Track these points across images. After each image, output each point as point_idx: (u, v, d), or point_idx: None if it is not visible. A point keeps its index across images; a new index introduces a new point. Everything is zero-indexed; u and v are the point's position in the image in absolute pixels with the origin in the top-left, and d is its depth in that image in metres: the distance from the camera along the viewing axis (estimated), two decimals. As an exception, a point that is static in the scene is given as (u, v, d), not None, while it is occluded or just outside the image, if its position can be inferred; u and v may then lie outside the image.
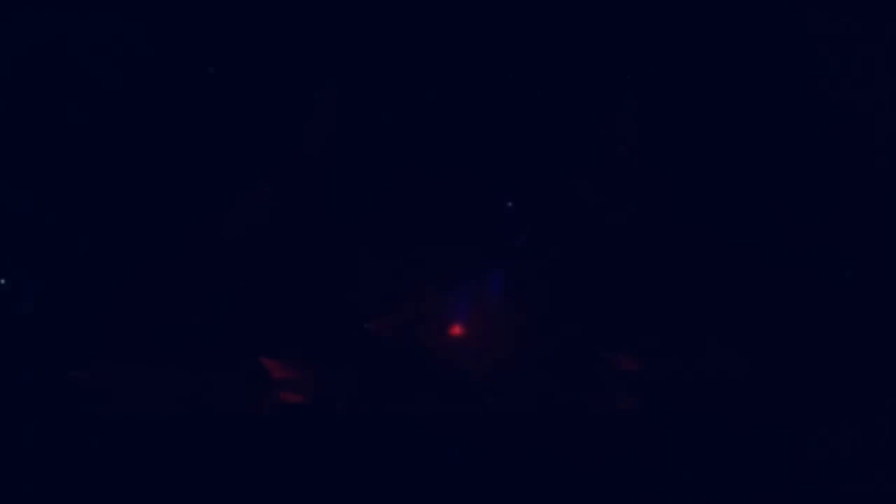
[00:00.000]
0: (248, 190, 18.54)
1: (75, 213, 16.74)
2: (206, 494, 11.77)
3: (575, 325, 18.00)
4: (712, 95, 17.56)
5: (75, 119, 16.42)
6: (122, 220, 17.10)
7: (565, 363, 17.65)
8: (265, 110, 17.82)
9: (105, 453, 12.68)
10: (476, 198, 18.85)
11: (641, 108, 18.16)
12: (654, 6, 17.12)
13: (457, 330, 18.90)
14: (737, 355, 17.20)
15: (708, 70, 17.40)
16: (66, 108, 16.32)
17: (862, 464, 12.08)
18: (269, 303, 17.94)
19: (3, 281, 16.15)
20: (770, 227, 17.36)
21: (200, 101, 17.37)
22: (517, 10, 17.24)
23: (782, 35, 16.79)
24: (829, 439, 12.94)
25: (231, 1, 16.93)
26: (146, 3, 16.39)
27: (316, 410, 15.35)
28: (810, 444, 12.79)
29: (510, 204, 19.77)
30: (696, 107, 17.58)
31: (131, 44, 16.61)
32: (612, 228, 18.16)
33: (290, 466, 12.32)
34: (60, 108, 16.27)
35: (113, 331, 16.98)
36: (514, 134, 18.77)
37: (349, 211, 18.42)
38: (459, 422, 15.03)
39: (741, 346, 17.22)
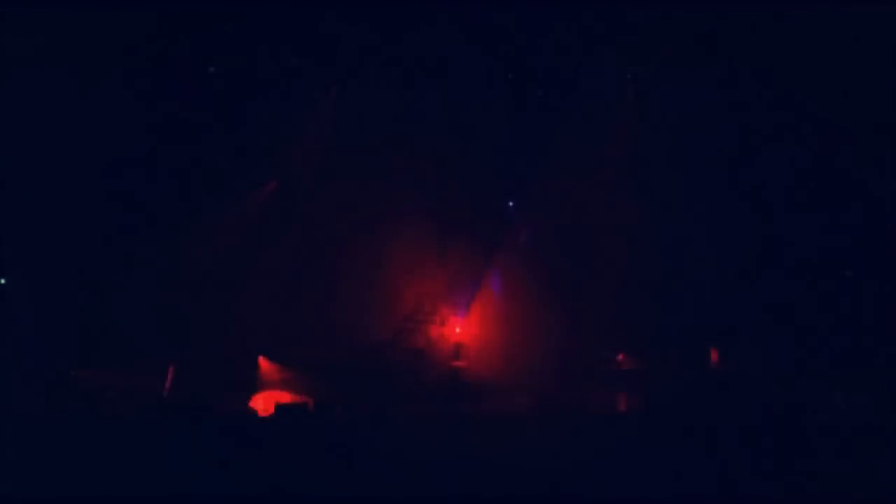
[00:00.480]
0: (248, 191, 18.68)
1: (75, 215, 16.79)
2: (206, 492, 11.78)
3: (576, 326, 18.09)
4: (714, 95, 17.65)
5: (75, 120, 16.45)
6: (122, 224, 17.18)
7: (565, 363, 17.70)
8: (265, 110, 17.93)
9: (105, 450, 12.72)
10: (477, 198, 18.95)
11: (641, 107, 18.29)
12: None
13: (457, 330, 18.97)
14: (736, 355, 17.36)
15: (706, 70, 17.48)
16: (65, 109, 16.33)
17: (858, 460, 12.12)
18: (270, 303, 18.01)
19: (3, 281, 16.17)
20: (767, 230, 17.42)
21: (201, 101, 17.49)
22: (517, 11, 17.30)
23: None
24: (826, 436, 12.97)
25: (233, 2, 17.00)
26: (146, 2, 16.40)
27: (316, 411, 15.34)
28: (807, 440, 12.82)
29: (511, 203, 19.89)
30: (697, 106, 17.65)
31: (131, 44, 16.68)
32: (612, 229, 18.23)
33: (289, 466, 12.33)
34: (59, 107, 16.27)
35: (113, 332, 17.04)
36: (516, 134, 18.91)
37: (350, 211, 18.54)
38: (459, 422, 15.02)
39: (739, 346, 17.35)
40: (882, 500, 11.65)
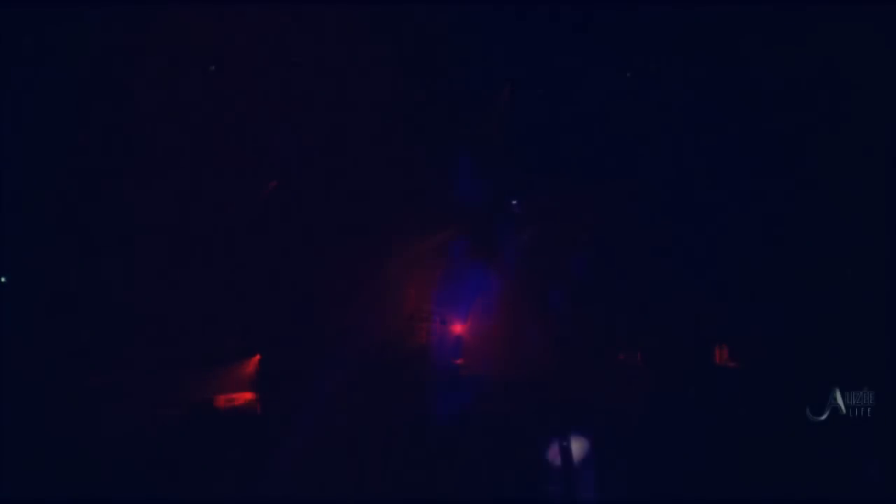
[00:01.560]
0: (249, 191, 18.70)
1: (76, 215, 16.84)
2: (205, 490, 11.85)
3: (577, 325, 18.09)
4: (713, 97, 17.63)
5: (76, 120, 16.49)
6: (122, 223, 17.23)
7: (566, 362, 17.71)
8: (265, 110, 17.95)
9: (110, 449, 12.81)
10: (478, 198, 18.95)
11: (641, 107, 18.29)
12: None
13: (458, 330, 18.99)
14: (737, 354, 17.34)
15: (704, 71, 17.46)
16: (66, 109, 16.38)
17: (858, 460, 12.13)
18: (270, 303, 18.04)
19: (3, 279, 16.22)
20: (769, 230, 17.39)
21: (200, 100, 17.49)
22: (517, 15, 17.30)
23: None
24: (824, 435, 13.00)
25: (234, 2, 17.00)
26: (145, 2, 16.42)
27: (312, 411, 15.38)
28: (806, 440, 12.85)
29: (515, 202, 19.90)
30: (698, 105, 17.62)
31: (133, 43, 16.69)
32: (614, 228, 18.24)
33: (288, 466, 12.38)
34: (58, 107, 16.32)
35: (117, 335, 17.10)
36: (516, 132, 18.91)
37: (352, 210, 18.55)
38: (459, 421, 15.06)
39: (738, 345, 17.35)
40: (882, 499, 11.67)
